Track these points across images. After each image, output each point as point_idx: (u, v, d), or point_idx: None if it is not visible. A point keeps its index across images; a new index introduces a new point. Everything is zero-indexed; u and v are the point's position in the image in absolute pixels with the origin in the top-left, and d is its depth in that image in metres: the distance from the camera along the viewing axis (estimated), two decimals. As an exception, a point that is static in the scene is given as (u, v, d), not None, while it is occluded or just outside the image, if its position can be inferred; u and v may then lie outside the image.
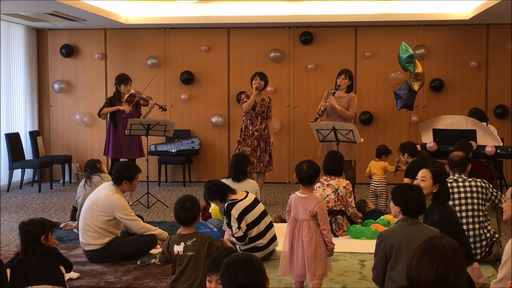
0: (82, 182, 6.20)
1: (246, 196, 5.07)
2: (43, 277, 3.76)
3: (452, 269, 2.24)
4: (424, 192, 4.40)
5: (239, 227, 4.90)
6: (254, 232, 5.01)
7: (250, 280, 2.32)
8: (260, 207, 5.13)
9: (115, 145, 7.81)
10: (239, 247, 5.06)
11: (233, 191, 5.09)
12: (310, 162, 4.17)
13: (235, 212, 4.91)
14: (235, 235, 4.95)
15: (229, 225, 5.03)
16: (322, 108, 7.47)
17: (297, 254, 4.02)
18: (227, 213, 4.96)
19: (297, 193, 4.16)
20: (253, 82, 7.77)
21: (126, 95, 7.91)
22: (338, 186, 6.00)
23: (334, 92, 7.54)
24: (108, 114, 7.97)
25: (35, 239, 3.81)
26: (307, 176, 4.08)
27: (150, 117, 8.15)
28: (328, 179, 6.07)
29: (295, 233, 4.05)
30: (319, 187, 6.06)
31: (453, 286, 2.23)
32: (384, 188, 7.24)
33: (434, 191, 4.42)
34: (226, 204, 4.97)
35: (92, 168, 6.25)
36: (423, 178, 4.47)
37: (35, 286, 3.69)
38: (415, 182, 4.54)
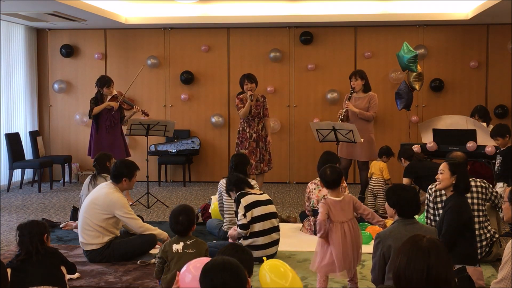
0: (88, 180, 6.17)
1: (261, 194, 5.24)
2: (44, 277, 3.78)
3: (441, 267, 2.31)
4: (443, 184, 4.50)
5: (244, 215, 5.01)
6: (256, 227, 5.06)
7: (227, 282, 2.36)
8: (271, 208, 5.22)
9: (97, 146, 7.79)
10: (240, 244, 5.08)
11: (251, 186, 5.28)
12: (332, 166, 4.29)
13: (244, 201, 5.06)
14: (239, 222, 5.05)
15: (236, 213, 5.13)
16: (340, 116, 7.48)
17: (351, 251, 4.10)
18: (237, 200, 5.10)
19: (330, 197, 4.18)
20: (245, 87, 7.67)
21: (109, 97, 7.90)
22: None
23: (350, 97, 7.55)
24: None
25: (40, 238, 3.84)
26: (333, 180, 4.17)
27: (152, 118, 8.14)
28: None
29: (346, 234, 4.09)
30: (314, 188, 6.06)
31: (445, 282, 2.28)
32: (381, 188, 7.25)
33: (453, 182, 4.48)
34: (239, 192, 5.13)
35: (101, 167, 6.18)
36: (441, 171, 4.53)
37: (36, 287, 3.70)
38: (437, 176, 4.63)
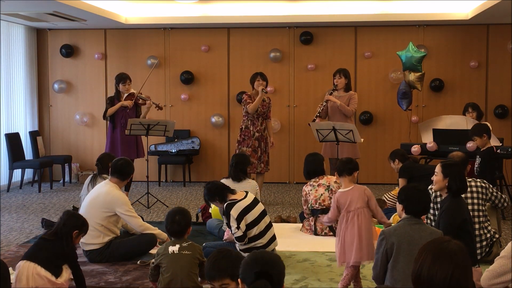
0: (88, 180, 6.14)
1: (245, 196, 4.97)
2: (46, 259, 3.97)
3: (465, 273, 2.29)
4: (437, 186, 4.50)
5: (238, 227, 4.81)
6: (254, 231, 4.95)
7: (267, 269, 2.42)
8: (260, 207, 5.04)
9: (112, 145, 7.81)
10: (238, 247, 5.06)
11: (233, 191, 5.00)
12: (348, 158, 4.55)
13: (234, 212, 4.82)
14: (235, 235, 4.88)
15: (228, 225, 4.96)
16: (319, 109, 7.47)
17: (353, 241, 4.14)
18: (226, 213, 4.87)
19: (340, 190, 4.36)
20: (256, 83, 7.71)
21: (125, 95, 7.90)
22: (329, 183, 6.05)
23: (332, 92, 7.55)
24: None
25: (69, 230, 4.06)
26: (349, 168, 4.34)
27: (150, 117, 8.14)
28: (317, 179, 6.10)
29: (348, 223, 4.19)
30: (310, 190, 6.06)
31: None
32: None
33: (446, 184, 4.43)
34: (225, 204, 4.88)
35: (103, 167, 6.11)
36: (436, 172, 4.50)
37: (25, 261, 3.94)
38: (432, 177, 4.62)
